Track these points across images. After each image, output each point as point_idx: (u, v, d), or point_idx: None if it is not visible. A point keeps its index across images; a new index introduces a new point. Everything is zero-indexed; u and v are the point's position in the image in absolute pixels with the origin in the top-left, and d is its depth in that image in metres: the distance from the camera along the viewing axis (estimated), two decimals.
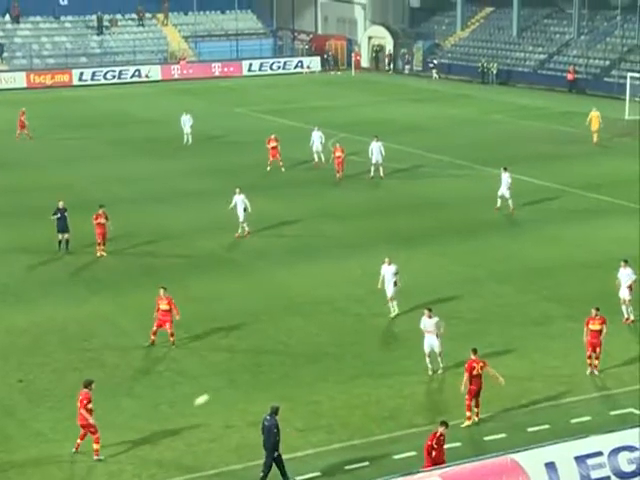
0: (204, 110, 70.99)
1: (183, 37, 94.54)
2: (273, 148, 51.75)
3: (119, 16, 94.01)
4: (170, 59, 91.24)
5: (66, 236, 38.39)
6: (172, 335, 29.53)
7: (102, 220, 37.50)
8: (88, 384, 23.73)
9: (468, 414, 24.61)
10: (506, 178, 42.99)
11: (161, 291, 29.59)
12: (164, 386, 27.10)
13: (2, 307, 32.85)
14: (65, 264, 37.33)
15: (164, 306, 29.32)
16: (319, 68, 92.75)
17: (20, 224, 42.36)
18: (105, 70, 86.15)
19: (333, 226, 42.18)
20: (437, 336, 27.29)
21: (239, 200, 39.76)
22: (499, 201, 43.26)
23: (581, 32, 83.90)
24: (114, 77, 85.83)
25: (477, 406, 24.67)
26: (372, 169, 49.46)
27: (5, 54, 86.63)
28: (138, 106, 72.74)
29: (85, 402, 23.20)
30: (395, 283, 31.46)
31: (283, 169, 51.44)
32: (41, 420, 25.04)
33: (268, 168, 51.50)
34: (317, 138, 52.93)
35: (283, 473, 22.25)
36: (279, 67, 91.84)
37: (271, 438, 22.11)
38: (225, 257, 38.16)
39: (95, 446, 23.24)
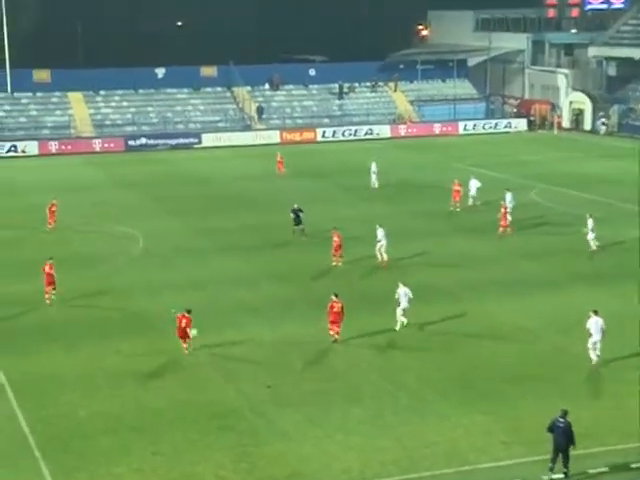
0: (425, 163, 71.10)
1: (409, 101, 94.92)
2: (456, 191, 51.97)
3: (356, 84, 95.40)
4: (397, 120, 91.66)
5: (301, 227, 45.58)
6: (338, 334, 31.32)
7: (335, 238, 40.64)
8: (190, 311, 30.06)
9: None
10: (590, 223, 42.80)
11: (333, 296, 31.29)
12: (387, 397, 26.94)
13: (253, 324, 33.50)
14: (303, 289, 37.82)
15: (337, 309, 31.15)
16: (525, 128, 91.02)
17: (266, 255, 43.34)
18: (344, 129, 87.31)
19: (530, 264, 41.15)
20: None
21: (380, 233, 40.79)
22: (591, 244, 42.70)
23: None
24: (351, 135, 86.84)
25: None
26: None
27: (264, 115, 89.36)
28: (369, 159, 73.33)
29: (189, 323, 29.63)
30: (409, 300, 32.30)
31: (458, 209, 51.56)
32: (285, 421, 25.33)
33: (451, 208, 51.68)
34: (474, 185, 52.56)
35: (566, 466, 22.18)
36: (490, 127, 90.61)
37: (568, 437, 21.99)
38: (438, 287, 37.72)
39: (186, 345, 30.02)
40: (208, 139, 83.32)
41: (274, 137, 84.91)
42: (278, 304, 35.84)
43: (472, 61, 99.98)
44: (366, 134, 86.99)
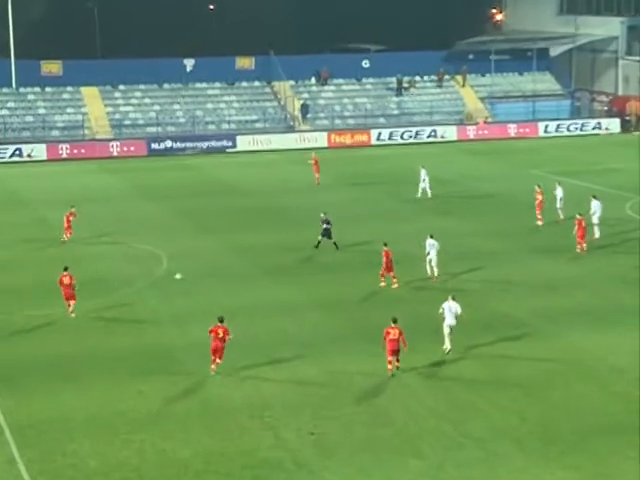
0: (498, 170, 70.98)
1: (480, 98, 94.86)
2: (539, 201, 52.38)
3: (418, 78, 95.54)
4: (466, 120, 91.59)
5: (332, 240, 47.07)
6: (397, 366, 31.98)
7: (384, 256, 41.26)
8: (223, 319, 31.81)
9: None
10: None
11: (391, 323, 31.74)
12: (450, 447, 26.83)
13: (295, 358, 33.55)
14: (352, 316, 37.93)
15: (394, 337, 31.62)
16: (618, 130, 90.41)
17: (309, 278, 43.54)
18: (402, 130, 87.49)
19: (622, 289, 40.85)
20: None
21: (429, 244, 42.27)
22: None
23: None
24: (410, 137, 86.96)
25: None
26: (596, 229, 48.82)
27: (309, 115, 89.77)
28: (432, 165, 73.28)
29: (227, 333, 31.54)
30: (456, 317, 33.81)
31: (540, 222, 52.02)
32: (331, 473, 25.31)
33: (538, 223, 52.14)
34: (559, 195, 53.04)
35: None
36: (576, 129, 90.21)
37: None
38: (511, 316, 37.60)
39: (213, 366, 31.71)
40: (244, 142, 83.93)
41: (321, 140, 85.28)
42: (323, 335, 35.94)
43: (555, 50, 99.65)
44: (429, 136, 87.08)
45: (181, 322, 37.64)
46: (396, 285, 41.38)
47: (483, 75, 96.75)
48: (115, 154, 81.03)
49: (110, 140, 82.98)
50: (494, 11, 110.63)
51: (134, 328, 37.12)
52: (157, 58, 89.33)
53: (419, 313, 37.63)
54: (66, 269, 38.51)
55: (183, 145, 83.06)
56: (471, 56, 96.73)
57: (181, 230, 53.52)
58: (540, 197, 52.59)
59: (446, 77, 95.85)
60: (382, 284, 41.62)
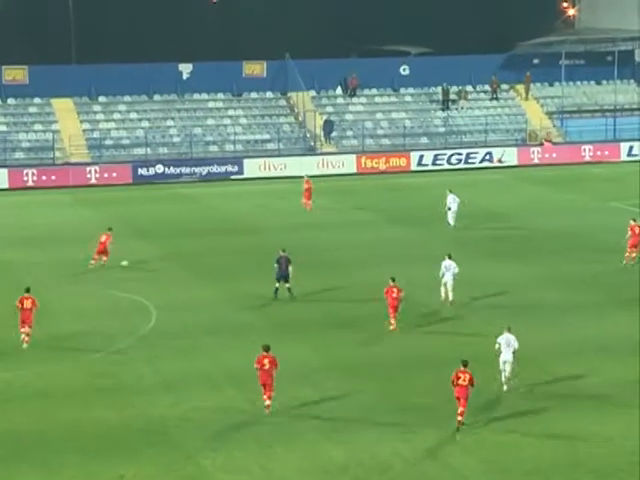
0: (569, 204, 70.97)
1: (546, 113, 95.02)
2: (632, 237, 53.55)
3: (469, 87, 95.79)
4: (529, 140, 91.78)
5: (287, 285, 48.12)
6: (461, 422, 32.82)
7: (394, 294, 43.20)
8: (268, 348, 34.19)
9: None
10: None
11: (461, 366, 33.12)
12: None
13: (316, 438, 33.40)
14: (381, 386, 37.67)
15: (463, 382, 32.90)
16: None
17: (334, 336, 43.63)
18: (450, 153, 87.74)
19: None
20: None
21: (445, 266, 45.96)
22: None
23: None
24: (460, 162, 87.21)
25: None
26: None
27: (334, 133, 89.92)
28: (486, 197, 73.44)
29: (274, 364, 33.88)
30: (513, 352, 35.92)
31: (633, 262, 53.29)
32: None
33: (623, 262, 53.33)
34: None
35: None
36: None
37: None
38: (589, 387, 37.44)
39: (267, 402, 34.31)
40: (253, 167, 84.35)
41: (348, 164, 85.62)
42: (348, 406, 35.74)
43: None
44: (482, 161, 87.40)
45: (174, 390, 37.56)
46: (393, 328, 43.23)
47: (551, 84, 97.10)
48: (93, 182, 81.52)
49: (87, 164, 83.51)
50: (565, 5, 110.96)
51: (116, 397, 37.05)
52: (146, 63, 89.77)
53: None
54: (28, 290, 40.96)
55: (177, 171, 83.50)
56: (536, 61, 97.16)
57: (175, 277, 53.70)
58: (630, 232, 53.52)
59: (505, 87, 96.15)
60: (392, 327, 43.35)
